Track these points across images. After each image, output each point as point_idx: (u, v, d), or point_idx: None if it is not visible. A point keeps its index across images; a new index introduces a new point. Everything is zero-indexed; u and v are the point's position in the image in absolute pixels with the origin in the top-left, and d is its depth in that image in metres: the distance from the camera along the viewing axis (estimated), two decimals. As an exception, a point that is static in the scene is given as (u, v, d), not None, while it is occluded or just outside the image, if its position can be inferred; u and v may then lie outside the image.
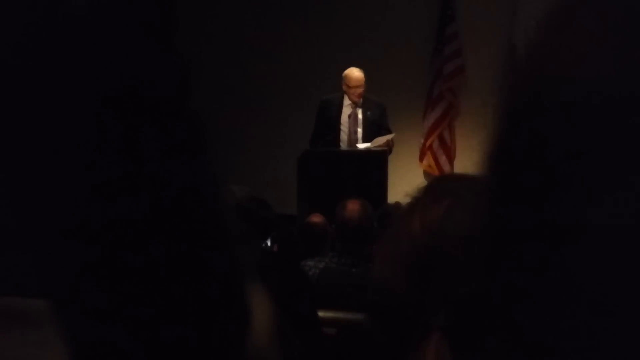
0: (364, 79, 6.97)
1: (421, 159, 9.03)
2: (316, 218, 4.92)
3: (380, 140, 6.73)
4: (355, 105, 7.02)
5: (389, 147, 6.78)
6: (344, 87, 7.03)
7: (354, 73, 7.00)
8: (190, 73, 0.48)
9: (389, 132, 6.92)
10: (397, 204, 4.75)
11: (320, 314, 3.57)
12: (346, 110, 7.04)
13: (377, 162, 6.67)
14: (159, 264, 0.46)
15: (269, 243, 4.31)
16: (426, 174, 8.83)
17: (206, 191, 0.49)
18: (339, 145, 7.00)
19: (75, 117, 0.45)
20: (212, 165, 0.49)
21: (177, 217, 0.46)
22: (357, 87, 6.94)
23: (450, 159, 8.96)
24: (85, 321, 0.47)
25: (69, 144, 0.45)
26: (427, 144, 8.98)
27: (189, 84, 0.48)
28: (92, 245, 0.45)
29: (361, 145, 6.82)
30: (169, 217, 0.46)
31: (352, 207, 4.24)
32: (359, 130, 6.99)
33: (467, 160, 8.71)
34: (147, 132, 0.46)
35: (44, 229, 0.48)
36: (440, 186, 0.91)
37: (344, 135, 7.01)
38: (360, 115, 7.01)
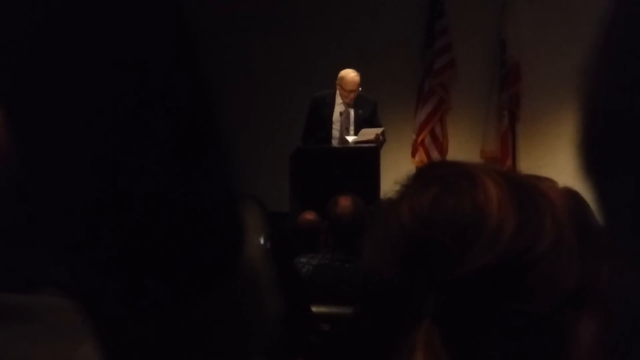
0: (359, 82, 6.95)
1: (413, 155, 9.04)
2: (309, 215, 4.93)
3: (369, 133, 6.72)
4: (347, 103, 7.02)
5: (379, 142, 6.77)
6: (338, 87, 7.01)
7: (350, 76, 6.96)
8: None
9: (379, 127, 6.92)
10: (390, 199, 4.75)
11: (314, 309, 3.57)
12: (338, 108, 7.05)
13: (370, 158, 6.68)
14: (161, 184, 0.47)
15: (261, 241, 4.31)
16: (418, 169, 8.83)
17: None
18: (331, 143, 7.00)
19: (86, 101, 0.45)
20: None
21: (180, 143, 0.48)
22: (352, 90, 6.92)
23: (442, 154, 8.97)
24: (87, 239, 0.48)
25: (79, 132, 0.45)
26: (419, 139, 8.99)
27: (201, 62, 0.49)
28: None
29: (350, 139, 6.81)
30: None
31: (344, 203, 4.24)
32: (351, 128, 6.99)
33: (458, 155, 8.72)
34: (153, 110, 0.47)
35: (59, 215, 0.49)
36: (429, 173, 0.90)
37: (335, 133, 7.02)
38: (352, 113, 7.01)
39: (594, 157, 0.42)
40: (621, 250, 0.42)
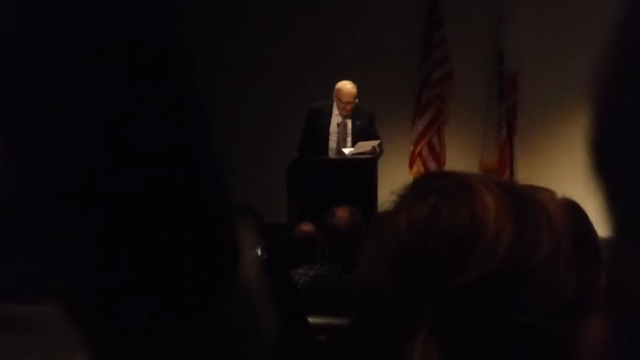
0: (355, 94, 6.93)
1: (411, 166, 9.03)
2: (306, 226, 4.92)
3: (365, 145, 6.72)
4: (344, 115, 7.02)
5: (375, 153, 6.77)
6: (335, 99, 7.01)
7: (347, 88, 6.94)
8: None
9: (377, 139, 6.91)
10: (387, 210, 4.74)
11: (311, 320, 3.57)
12: (335, 119, 7.03)
13: (367, 169, 6.67)
14: (156, 203, 0.47)
15: (259, 252, 4.31)
16: (416, 180, 8.81)
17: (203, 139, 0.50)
18: (328, 154, 6.99)
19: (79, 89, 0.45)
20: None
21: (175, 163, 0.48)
22: (348, 102, 6.91)
23: (440, 166, 8.97)
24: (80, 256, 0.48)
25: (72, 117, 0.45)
26: (417, 150, 8.99)
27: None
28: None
29: (347, 151, 6.81)
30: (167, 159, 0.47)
31: (341, 214, 4.23)
32: (348, 139, 6.98)
33: (456, 167, 8.72)
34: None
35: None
36: (426, 183, 0.90)
37: (332, 144, 7.00)
38: (349, 124, 7.00)
39: (605, 156, 0.41)
40: (632, 249, 0.42)
